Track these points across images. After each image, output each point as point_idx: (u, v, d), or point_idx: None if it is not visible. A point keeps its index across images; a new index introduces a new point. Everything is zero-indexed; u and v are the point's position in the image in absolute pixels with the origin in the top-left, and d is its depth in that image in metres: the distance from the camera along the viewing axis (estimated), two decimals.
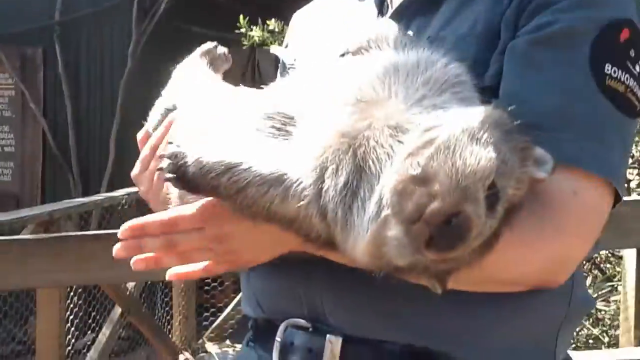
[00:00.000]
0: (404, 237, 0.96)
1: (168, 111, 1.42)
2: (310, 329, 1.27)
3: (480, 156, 0.97)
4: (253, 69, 9.37)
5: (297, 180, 1.06)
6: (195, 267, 1.20)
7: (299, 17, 1.59)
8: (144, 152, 1.37)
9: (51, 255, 2.68)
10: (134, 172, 1.37)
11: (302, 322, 1.28)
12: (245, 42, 4.75)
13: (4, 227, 4.30)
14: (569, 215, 1.15)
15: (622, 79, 1.18)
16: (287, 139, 1.12)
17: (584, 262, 4.20)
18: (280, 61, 1.51)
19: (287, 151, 1.10)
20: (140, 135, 1.41)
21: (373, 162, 1.03)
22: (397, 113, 1.06)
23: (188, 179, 1.13)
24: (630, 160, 3.96)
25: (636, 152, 3.91)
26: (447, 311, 1.20)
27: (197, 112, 1.33)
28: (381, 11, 1.39)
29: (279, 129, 1.14)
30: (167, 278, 1.22)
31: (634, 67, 1.20)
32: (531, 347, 1.26)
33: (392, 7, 1.37)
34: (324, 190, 1.05)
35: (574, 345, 3.66)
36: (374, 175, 1.02)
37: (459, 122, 1.01)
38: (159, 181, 1.31)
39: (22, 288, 5.26)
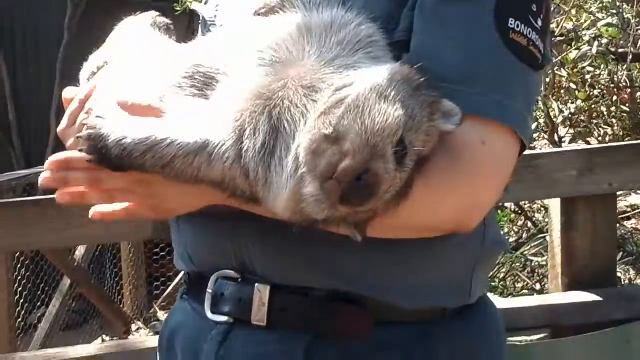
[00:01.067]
0: (319, 193, 1.04)
1: (99, 69, 1.39)
2: (240, 280, 1.33)
3: (388, 114, 1.04)
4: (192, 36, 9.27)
5: (219, 143, 1.12)
6: (117, 207, 1.23)
7: None
8: (72, 105, 1.33)
9: None
10: (61, 127, 1.33)
11: (231, 273, 1.34)
12: (178, 8, 4.68)
13: None
14: (479, 162, 1.21)
15: (525, 33, 1.23)
16: (207, 101, 1.17)
17: (517, 217, 4.34)
18: (201, 17, 1.52)
19: (208, 116, 1.14)
20: (67, 94, 1.36)
21: (288, 122, 1.09)
22: (310, 73, 1.12)
23: (111, 161, 1.15)
24: (562, 118, 4.08)
25: (566, 110, 4.03)
26: (369, 257, 1.27)
27: (125, 68, 1.33)
28: None
29: (200, 89, 1.18)
30: (90, 216, 1.26)
31: (536, 22, 1.25)
32: (447, 288, 1.33)
33: None
34: (244, 150, 1.11)
35: (510, 295, 3.80)
36: (289, 135, 1.09)
37: (368, 80, 1.07)
38: None
39: None
